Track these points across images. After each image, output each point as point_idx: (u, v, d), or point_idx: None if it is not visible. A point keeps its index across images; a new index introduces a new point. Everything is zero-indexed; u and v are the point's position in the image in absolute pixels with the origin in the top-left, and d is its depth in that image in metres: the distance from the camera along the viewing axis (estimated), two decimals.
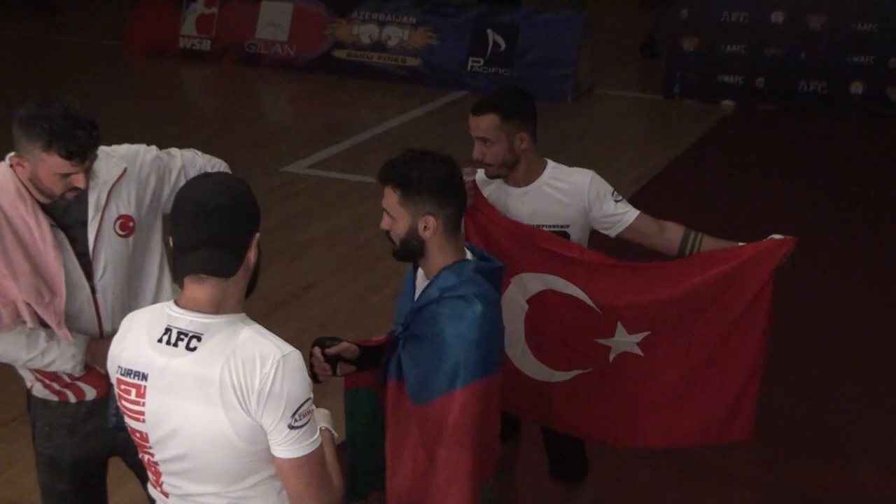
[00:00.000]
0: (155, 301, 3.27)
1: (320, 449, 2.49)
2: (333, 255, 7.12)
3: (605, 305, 3.61)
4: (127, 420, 2.54)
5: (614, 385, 3.69)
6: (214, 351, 2.41)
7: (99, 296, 3.21)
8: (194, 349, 2.42)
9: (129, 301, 3.25)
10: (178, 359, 2.43)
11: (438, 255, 2.99)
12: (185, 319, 2.45)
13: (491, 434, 3.07)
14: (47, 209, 3.14)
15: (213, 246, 2.39)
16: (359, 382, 3.20)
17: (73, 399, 3.32)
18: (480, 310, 2.89)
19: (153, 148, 3.36)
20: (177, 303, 2.49)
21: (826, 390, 5.57)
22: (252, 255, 2.49)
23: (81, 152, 2.99)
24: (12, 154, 3.11)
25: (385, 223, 3.01)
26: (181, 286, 2.51)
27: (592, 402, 3.71)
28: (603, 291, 3.60)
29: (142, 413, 2.49)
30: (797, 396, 5.46)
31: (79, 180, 3.02)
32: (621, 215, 3.71)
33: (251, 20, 12.57)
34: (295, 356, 2.43)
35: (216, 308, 2.45)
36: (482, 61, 11.68)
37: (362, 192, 8.09)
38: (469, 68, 11.69)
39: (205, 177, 2.66)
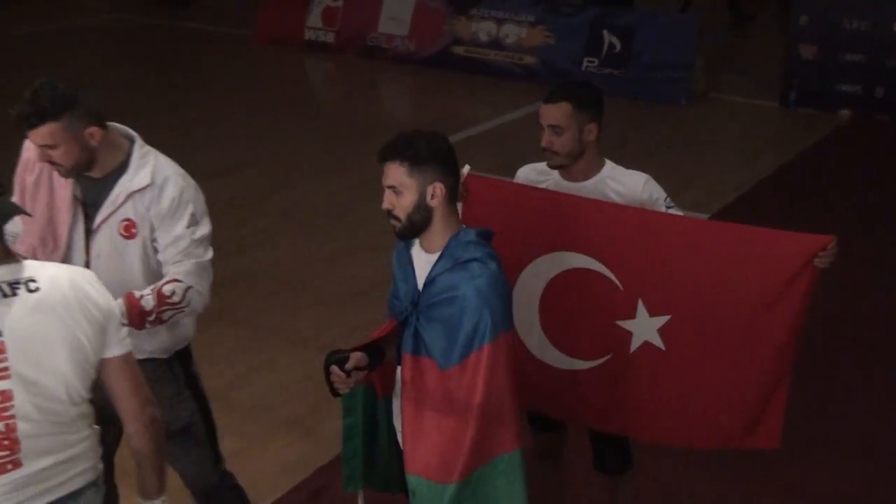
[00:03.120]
0: None
1: None
2: None
3: (627, 279, 3.60)
4: None
5: (636, 380, 3.67)
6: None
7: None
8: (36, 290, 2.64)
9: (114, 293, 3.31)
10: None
11: (443, 226, 3.13)
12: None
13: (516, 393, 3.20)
14: (82, 182, 3.41)
15: None
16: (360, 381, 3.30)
17: None
18: (495, 267, 3.10)
19: (186, 184, 3.44)
20: None
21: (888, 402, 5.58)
22: None
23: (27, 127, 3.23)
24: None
25: (388, 202, 3.13)
26: None
27: (613, 395, 3.69)
28: (626, 263, 3.59)
29: None
30: (860, 406, 5.49)
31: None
32: None
33: (374, 14, 12.93)
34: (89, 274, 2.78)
35: None
36: (597, 61, 11.78)
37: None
38: (584, 68, 11.78)
39: None
